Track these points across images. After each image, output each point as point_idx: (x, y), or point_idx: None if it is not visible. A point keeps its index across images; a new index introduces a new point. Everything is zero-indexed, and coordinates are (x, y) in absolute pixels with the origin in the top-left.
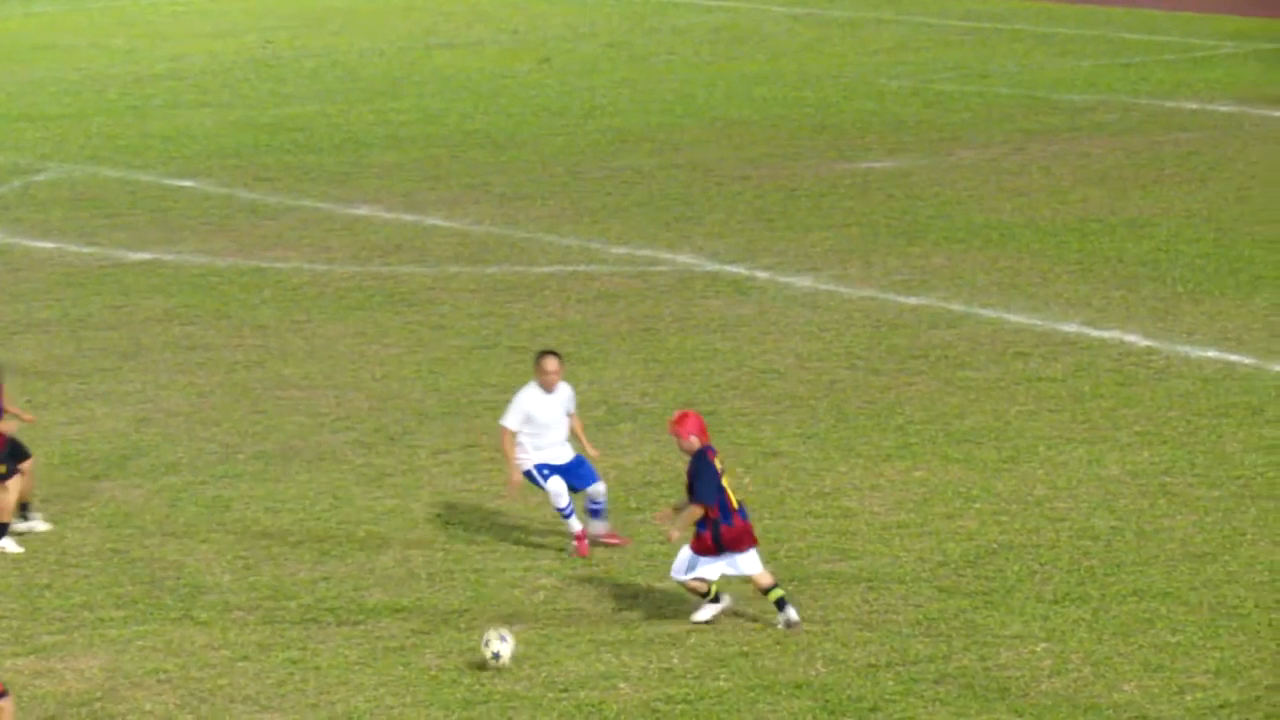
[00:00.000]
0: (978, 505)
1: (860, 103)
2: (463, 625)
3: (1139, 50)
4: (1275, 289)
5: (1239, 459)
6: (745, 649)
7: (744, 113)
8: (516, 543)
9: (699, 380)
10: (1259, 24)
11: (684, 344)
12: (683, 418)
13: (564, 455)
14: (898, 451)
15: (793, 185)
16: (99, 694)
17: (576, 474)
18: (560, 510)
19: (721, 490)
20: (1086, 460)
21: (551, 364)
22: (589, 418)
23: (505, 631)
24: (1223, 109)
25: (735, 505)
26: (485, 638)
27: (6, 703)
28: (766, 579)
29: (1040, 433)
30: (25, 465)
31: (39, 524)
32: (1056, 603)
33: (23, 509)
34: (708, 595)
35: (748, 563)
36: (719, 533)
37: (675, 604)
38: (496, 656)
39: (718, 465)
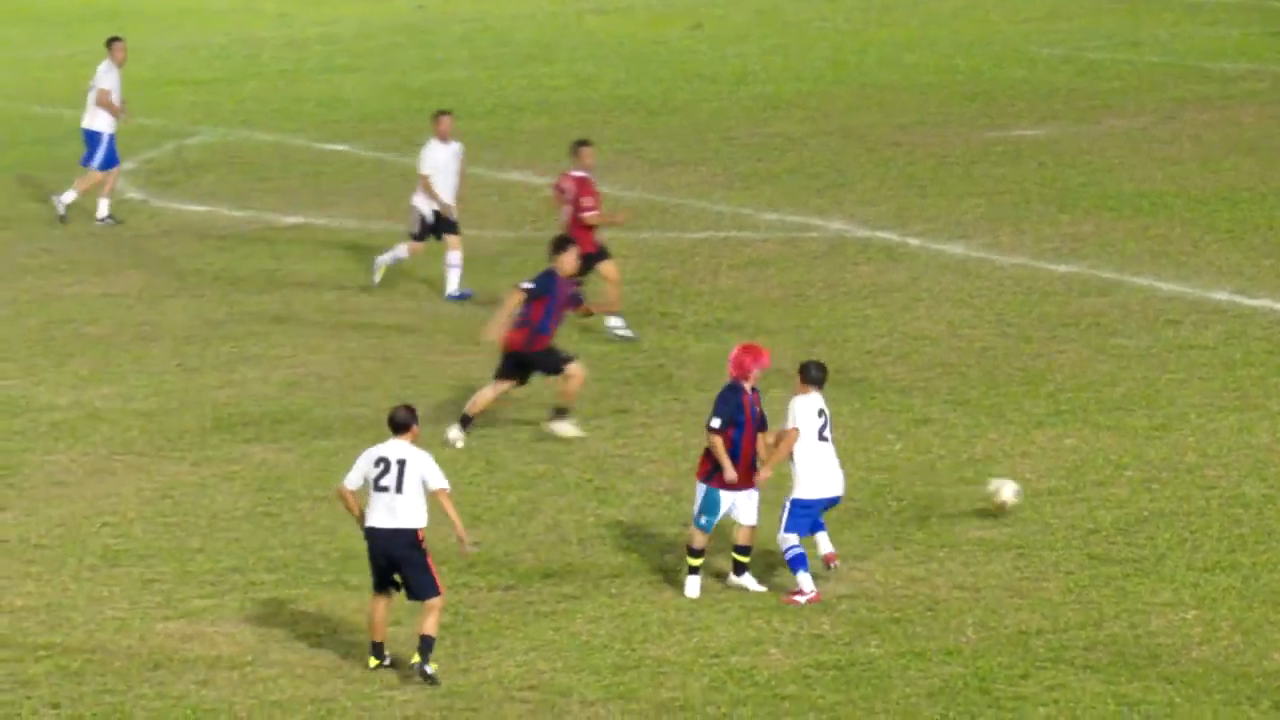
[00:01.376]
0: (1128, 473)
1: (1011, 70)
2: (614, 590)
3: None
4: None
5: None
6: (896, 615)
7: (894, 79)
8: (666, 508)
9: (850, 347)
10: None
11: (835, 311)
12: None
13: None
14: (1048, 419)
15: (944, 152)
16: (249, 657)
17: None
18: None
19: (738, 424)
20: (1237, 428)
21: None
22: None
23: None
24: None
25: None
26: (994, 486)
27: None
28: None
29: (1191, 400)
30: None
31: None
32: (1207, 570)
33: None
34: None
35: (745, 504)
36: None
37: (825, 570)
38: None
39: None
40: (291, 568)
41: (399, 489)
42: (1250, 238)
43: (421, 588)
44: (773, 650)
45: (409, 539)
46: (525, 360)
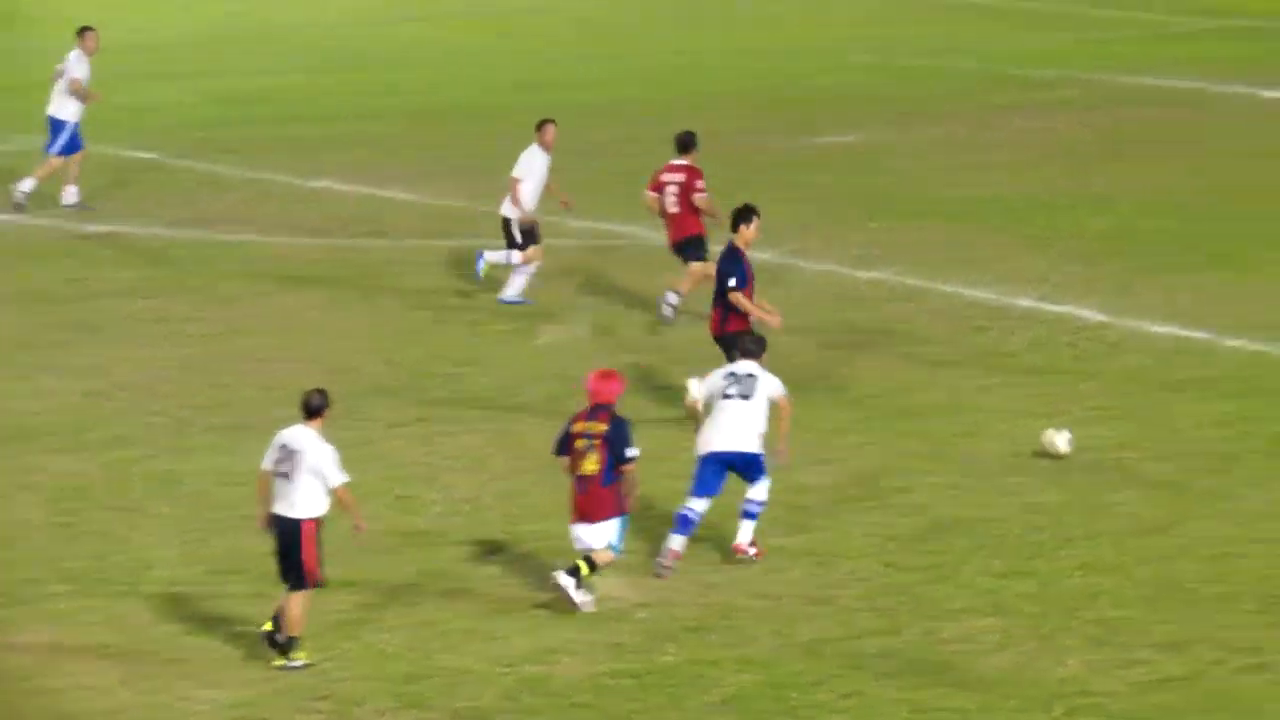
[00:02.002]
0: (930, 480)
1: (823, 77)
2: (410, 600)
3: (1103, 26)
4: (1232, 266)
5: (1191, 434)
6: (693, 624)
7: (707, 87)
8: (467, 517)
9: (652, 353)
10: (1224, 0)
11: (642, 318)
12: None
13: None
14: (852, 425)
15: (755, 160)
16: (40, 668)
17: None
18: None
19: (565, 447)
20: (1040, 434)
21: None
22: (541, 391)
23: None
24: (1186, 85)
25: (579, 471)
26: (1048, 439)
27: None
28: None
29: (995, 407)
30: None
31: None
32: (1004, 577)
33: None
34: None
35: (580, 536)
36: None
37: (623, 578)
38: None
39: (576, 428)
40: (86, 579)
41: (292, 477)
42: (1058, 244)
43: (291, 578)
44: (568, 659)
45: (291, 527)
46: (726, 340)
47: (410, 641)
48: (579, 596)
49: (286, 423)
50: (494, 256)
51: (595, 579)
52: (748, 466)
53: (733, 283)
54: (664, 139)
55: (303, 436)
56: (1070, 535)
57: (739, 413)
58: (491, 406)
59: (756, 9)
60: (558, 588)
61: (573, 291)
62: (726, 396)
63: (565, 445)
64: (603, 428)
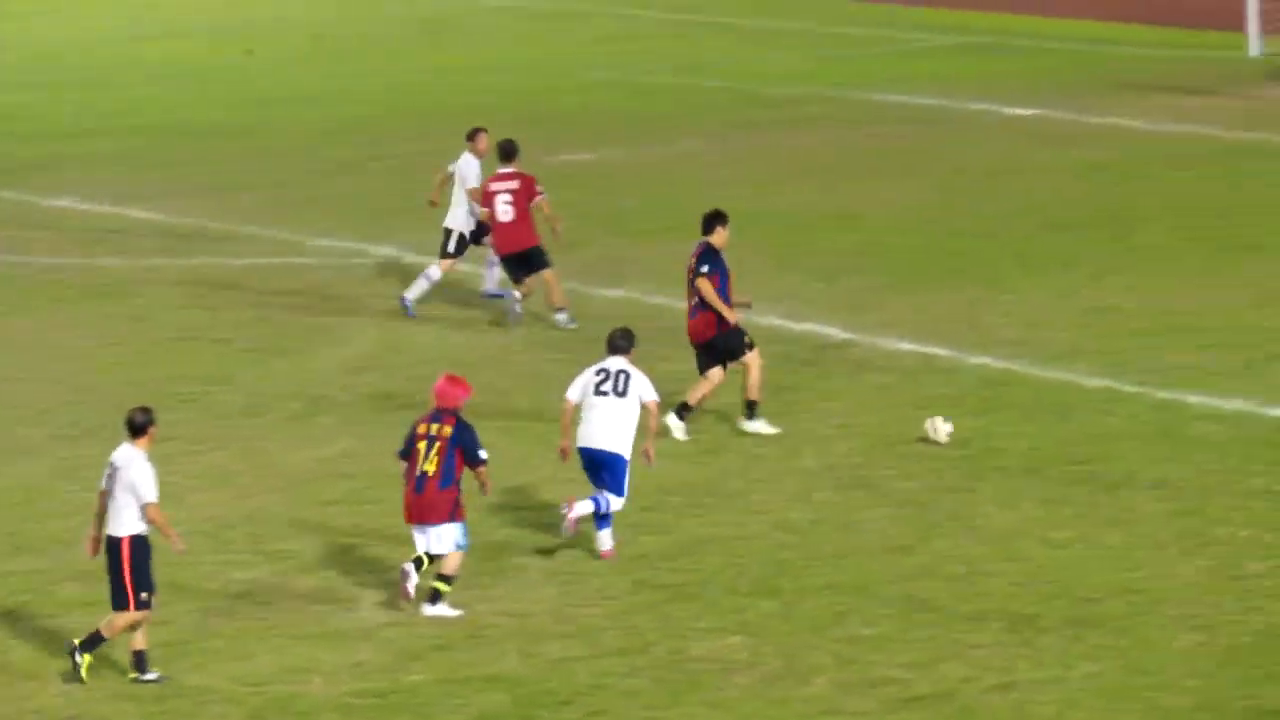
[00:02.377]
0: (674, 498)
1: (568, 95)
2: (159, 619)
3: (847, 44)
4: (977, 282)
5: (936, 452)
6: (439, 643)
7: (451, 104)
8: (212, 535)
9: (402, 371)
10: (964, 17)
11: (385, 335)
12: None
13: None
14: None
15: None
16: None
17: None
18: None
19: (408, 446)
20: (785, 453)
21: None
22: (287, 409)
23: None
24: (929, 102)
25: (416, 470)
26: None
27: None
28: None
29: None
30: None
31: None
32: (751, 595)
33: None
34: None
35: (418, 539)
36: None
37: (370, 594)
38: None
39: (420, 429)
40: None
41: (114, 495)
42: (803, 262)
43: (114, 597)
44: (315, 679)
45: (113, 545)
46: (712, 345)
47: (159, 660)
48: (439, 611)
49: (29, 442)
50: (419, 286)
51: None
52: (609, 467)
53: (705, 269)
54: (403, 155)
55: (125, 454)
56: (818, 554)
57: (609, 410)
58: (238, 425)
59: (499, 26)
60: (436, 615)
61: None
62: (599, 393)
63: (409, 447)
64: (448, 430)
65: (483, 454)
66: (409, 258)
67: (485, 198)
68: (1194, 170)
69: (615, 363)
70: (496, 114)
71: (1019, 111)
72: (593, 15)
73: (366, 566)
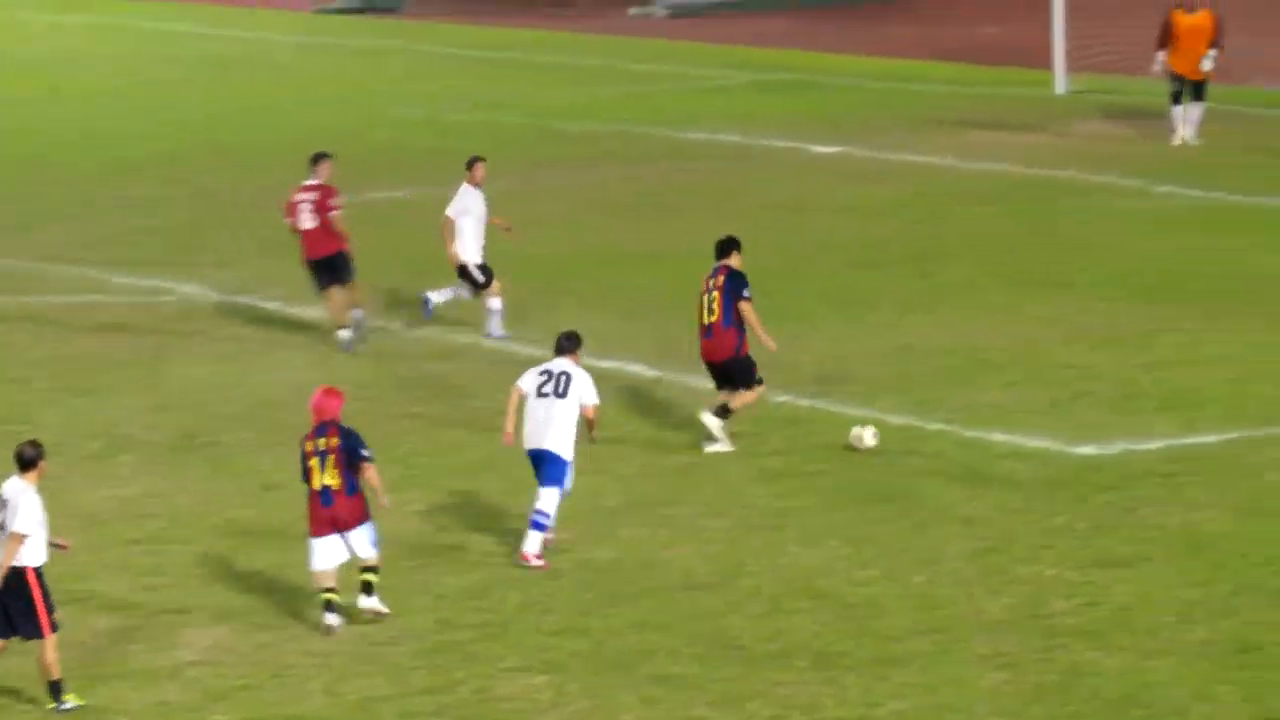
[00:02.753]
0: (477, 538)
1: (372, 132)
2: None
3: (650, 80)
4: (781, 320)
5: (741, 489)
6: (245, 682)
7: (255, 140)
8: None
9: (203, 410)
10: (766, 55)
11: (189, 374)
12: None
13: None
14: (401, 482)
15: None
16: None
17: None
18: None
19: (303, 467)
20: (590, 491)
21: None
22: (87, 449)
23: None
24: (731, 139)
25: (316, 486)
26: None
27: None
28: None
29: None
30: None
31: None
32: (556, 634)
33: None
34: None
35: (332, 550)
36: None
37: (173, 634)
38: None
39: (307, 447)
40: None
41: (7, 528)
42: (607, 300)
43: (27, 629)
44: (120, 718)
45: (13, 576)
46: (727, 367)
47: None
48: (374, 604)
49: None
50: (439, 296)
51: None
52: (549, 465)
53: (748, 293)
54: (209, 192)
55: (14, 487)
56: (619, 593)
57: (551, 411)
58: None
59: (305, 63)
60: (371, 610)
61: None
62: (541, 395)
63: (301, 466)
64: (336, 441)
65: (365, 452)
66: (214, 295)
67: (290, 207)
68: (999, 206)
69: (559, 364)
70: (301, 152)
71: (822, 149)
72: (398, 52)
73: (170, 606)
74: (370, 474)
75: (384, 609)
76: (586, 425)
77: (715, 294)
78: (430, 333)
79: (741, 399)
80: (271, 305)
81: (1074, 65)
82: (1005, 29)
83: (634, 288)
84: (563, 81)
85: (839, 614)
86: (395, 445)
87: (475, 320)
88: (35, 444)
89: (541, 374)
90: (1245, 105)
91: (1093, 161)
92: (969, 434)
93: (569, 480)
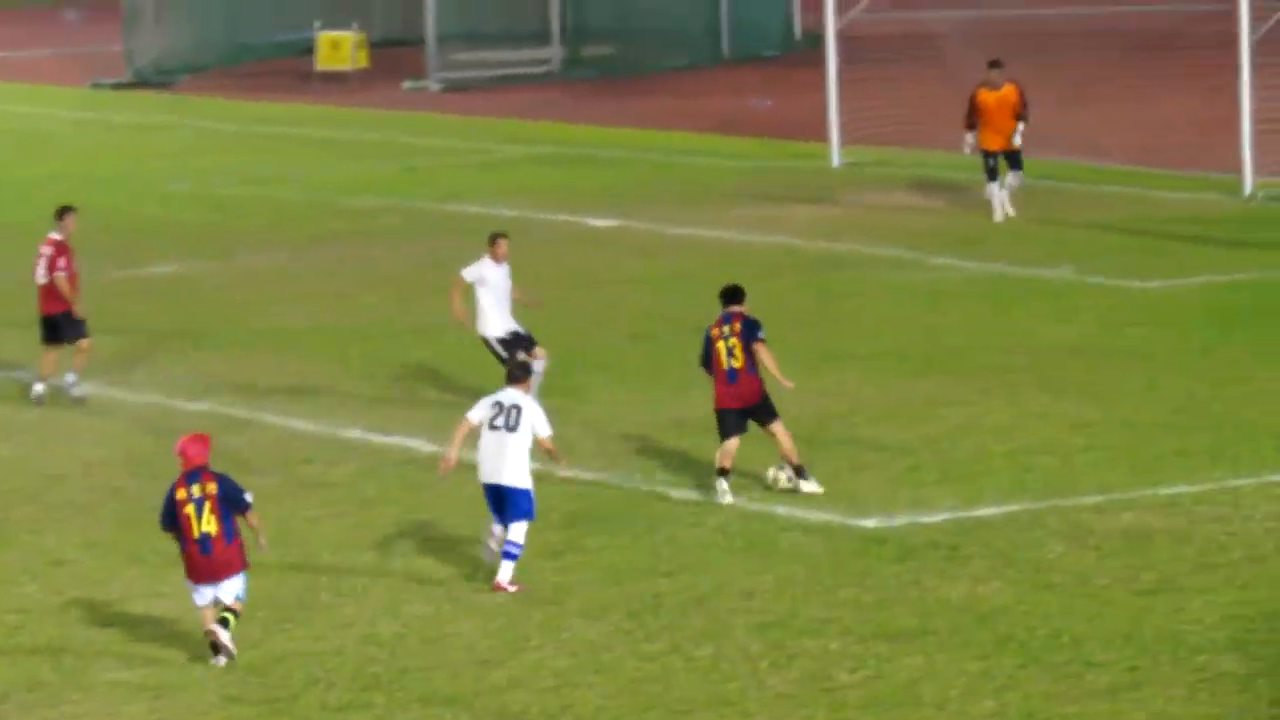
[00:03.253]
0: (261, 613)
1: (146, 207)
2: None
3: (423, 154)
4: (559, 393)
5: (524, 563)
6: None
7: (27, 217)
8: None
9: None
10: (540, 128)
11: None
12: None
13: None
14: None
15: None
16: None
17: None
18: None
19: (174, 516)
20: (372, 566)
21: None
22: None
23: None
24: (508, 213)
25: (195, 534)
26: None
27: None
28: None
29: (325, 539)
30: None
31: None
32: (341, 710)
33: None
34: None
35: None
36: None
37: None
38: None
39: (180, 495)
40: None
41: None
42: (383, 374)
43: None
44: None
45: None
46: (755, 411)
47: None
48: (227, 639)
49: None
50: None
51: None
52: (512, 500)
53: (763, 335)
54: None
55: None
56: (406, 667)
57: (505, 445)
58: None
59: (76, 140)
60: (216, 641)
61: None
62: (493, 427)
63: (173, 515)
64: (212, 487)
65: (248, 497)
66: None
67: (36, 259)
68: (779, 280)
69: (509, 395)
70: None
71: (600, 222)
72: (172, 127)
73: None
74: (254, 519)
75: (233, 648)
76: (549, 456)
77: (734, 340)
78: (213, 406)
79: (786, 440)
80: (50, 380)
81: (849, 138)
82: (779, 102)
83: (410, 362)
84: (337, 156)
85: (623, 688)
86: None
87: (252, 394)
88: None
89: (493, 405)
90: (1028, 177)
91: (870, 234)
92: (752, 507)
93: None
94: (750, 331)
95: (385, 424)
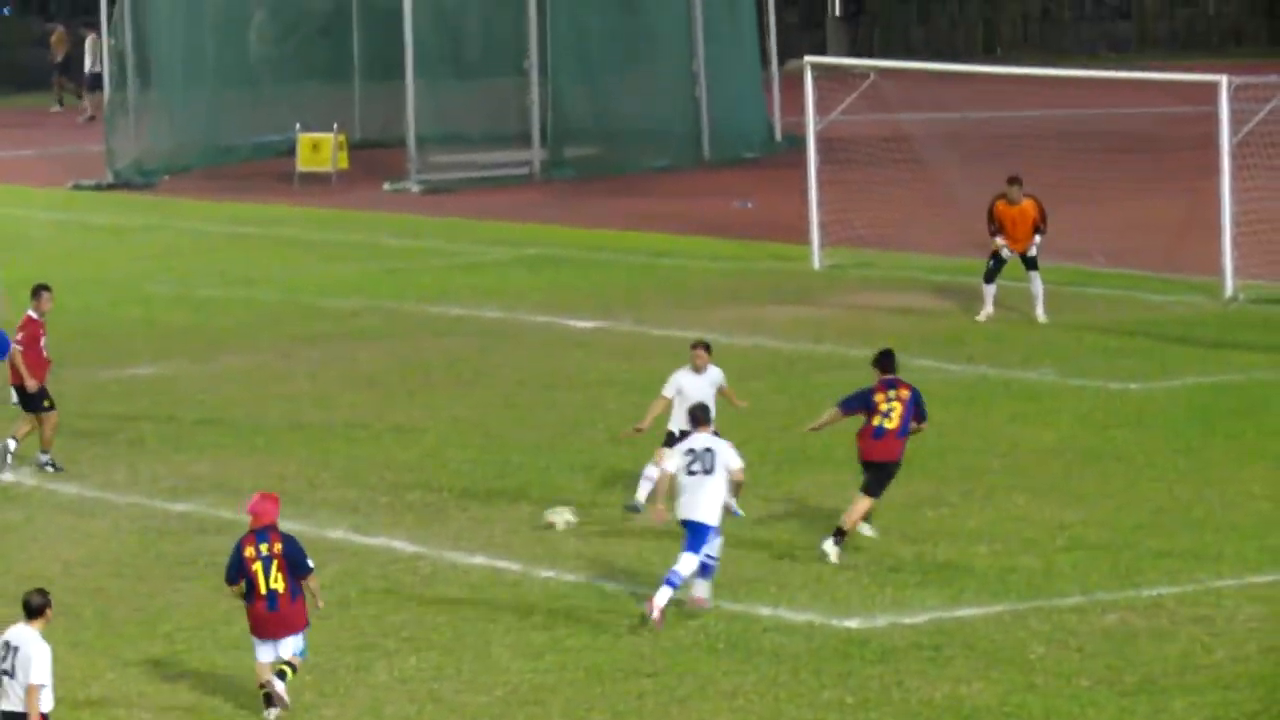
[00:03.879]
0: (245, 713)
1: (126, 309)
2: None
3: (405, 256)
4: (539, 496)
5: (507, 664)
6: None
7: (10, 319)
8: None
9: None
10: (523, 230)
11: None
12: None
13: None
14: (167, 659)
15: (58, 392)
16: None
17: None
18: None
19: (244, 571)
20: (354, 667)
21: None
22: None
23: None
24: (490, 315)
25: (263, 590)
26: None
27: None
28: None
29: (308, 639)
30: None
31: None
32: None
33: None
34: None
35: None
36: (247, 612)
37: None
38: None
39: (248, 552)
40: None
41: (12, 674)
42: (366, 475)
43: None
44: None
45: None
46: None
47: None
48: (283, 689)
49: None
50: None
51: None
52: (695, 533)
53: (924, 412)
54: None
55: (21, 633)
56: None
57: (703, 487)
58: None
59: (56, 241)
60: (272, 692)
61: None
62: (691, 474)
63: (240, 570)
64: (279, 546)
65: (310, 563)
66: None
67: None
68: (761, 381)
69: (700, 440)
70: (54, 330)
71: (581, 324)
72: (152, 229)
73: None
74: (312, 583)
75: (288, 700)
76: (735, 487)
77: (898, 405)
78: (196, 507)
79: (860, 509)
80: (31, 482)
81: (830, 239)
82: (760, 203)
83: (394, 462)
84: (319, 257)
85: None
86: (160, 620)
87: (233, 495)
88: (43, 592)
89: (687, 454)
90: (1005, 280)
91: (851, 335)
92: (734, 607)
93: (717, 545)
94: (916, 406)
95: (368, 524)
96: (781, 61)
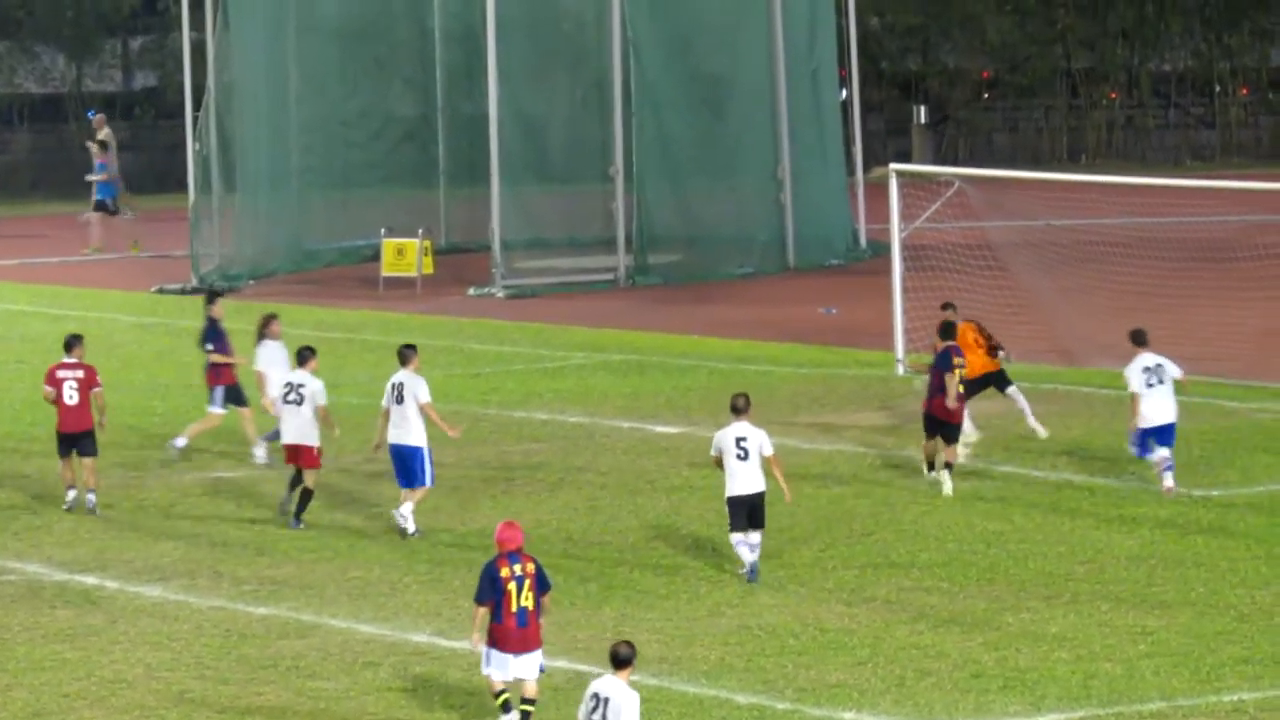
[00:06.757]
0: None
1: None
2: None
3: (489, 361)
4: (621, 600)
5: None
6: None
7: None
8: None
9: (47, 690)
10: (607, 335)
11: (32, 654)
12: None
13: None
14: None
15: (141, 495)
16: None
17: None
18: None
19: (497, 590)
20: None
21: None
22: None
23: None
24: (572, 419)
25: (513, 608)
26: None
27: None
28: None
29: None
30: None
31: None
32: None
33: None
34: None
35: (512, 666)
36: (490, 629)
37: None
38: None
39: (504, 573)
40: None
41: None
42: (449, 580)
43: None
44: None
45: None
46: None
47: None
48: None
49: None
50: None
51: None
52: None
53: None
54: (42, 472)
55: (612, 686)
56: None
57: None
58: None
59: (140, 344)
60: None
61: None
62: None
63: (493, 589)
64: (531, 567)
65: (551, 582)
66: (57, 575)
67: (54, 382)
68: (844, 487)
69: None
70: (139, 433)
71: (663, 429)
72: (236, 333)
73: None
74: (547, 600)
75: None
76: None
77: (948, 370)
78: (278, 611)
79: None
80: (113, 584)
81: (913, 346)
82: (844, 310)
83: (477, 567)
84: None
85: None
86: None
87: (323, 599)
88: (630, 644)
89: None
90: (1089, 386)
91: None
92: (816, 712)
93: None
94: (943, 361)
95: (452, 629)
96: (866, 168)
